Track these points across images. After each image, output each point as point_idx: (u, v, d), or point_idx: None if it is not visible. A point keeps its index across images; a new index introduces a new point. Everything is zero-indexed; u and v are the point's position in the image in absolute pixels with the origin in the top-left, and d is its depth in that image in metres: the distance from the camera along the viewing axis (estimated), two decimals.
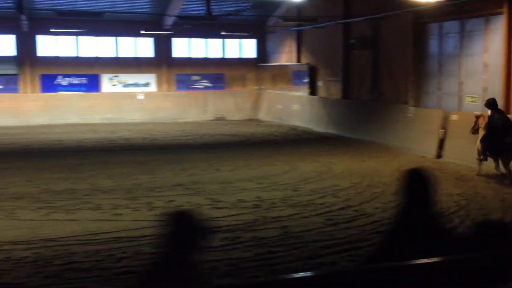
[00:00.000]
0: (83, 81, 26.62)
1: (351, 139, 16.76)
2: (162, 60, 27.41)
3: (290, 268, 5.87)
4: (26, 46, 25.56)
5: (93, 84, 26.80)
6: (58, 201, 8.85)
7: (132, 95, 26.13)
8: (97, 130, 20.87)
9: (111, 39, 26.94)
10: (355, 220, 7.88)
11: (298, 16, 22.63)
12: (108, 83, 26.91)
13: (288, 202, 8.90)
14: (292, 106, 23.06)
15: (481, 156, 10.90)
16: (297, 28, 23.44)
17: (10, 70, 25.51)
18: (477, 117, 11.23)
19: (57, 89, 26.13)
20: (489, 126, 10.58)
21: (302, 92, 23.07)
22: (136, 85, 27.23)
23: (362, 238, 7.00)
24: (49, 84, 26.03)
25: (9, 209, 8.25)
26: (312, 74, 22.88)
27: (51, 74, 26.10)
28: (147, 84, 27.43)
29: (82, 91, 26.35)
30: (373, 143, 15.62)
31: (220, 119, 24.67)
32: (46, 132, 19.98)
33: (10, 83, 25.31)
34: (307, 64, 23.16)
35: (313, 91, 22.73)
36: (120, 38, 26.93)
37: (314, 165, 12.36)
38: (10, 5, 22.55)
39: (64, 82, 26.31)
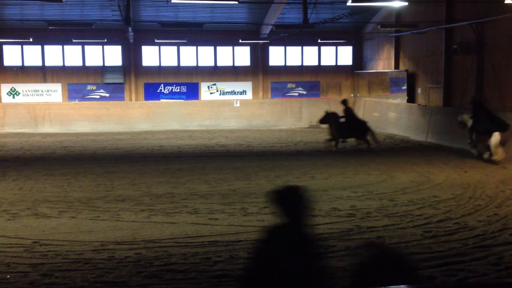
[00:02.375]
0: (183, 89, 27.62)
1: (453, 149, 16.04)
2: (258, 68, 27.81)
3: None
4: (131, 56, 27.00)
5: (192, 92, 27.73)
6: (158, 204, 9.22)
7: (229, 103, 26.74)
8: (196, 136, 21.54)
9: (210, 48, 27.74)
10: (455, 233, 7.51)
11: (397, 21, 22.07)
12: (207, 91, 27.73)
13: (384, 212, 8.67)
14: (389, 114, 22.49)
15: None
16: (396, 34, 22.87)
17: (117, 79, 27.06)
18: None
19: (159, 97, 27.34)
20: None
21: (399, 99, 22.43)
22: (233, 93, 27.82)
23: (463, 252, 6.66)
24: (152, 92, 27.31)
25: (114, 211, 8.71)
26: (411, 81, 22.18)
27: (154, 83, 27.36)
28: (243, 92, 27.94)
29: (182, 99, 27.36)
30: None
31: (315, 126, 24.58)
32: (148, 138, 20.94)
33: (116, 91, 26.82)
34: (406, 70, 22.49)
35: (411, 98, 22.03)
36: (218, 48, 27.68)
37: (412, 175, 11.96)
38: (119, 18, 23.92)
39: (166, 90, 27.46)
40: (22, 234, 7.28)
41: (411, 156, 15.05)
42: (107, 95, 26.66)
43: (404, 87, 22.30)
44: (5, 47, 26.32)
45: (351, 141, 16.84)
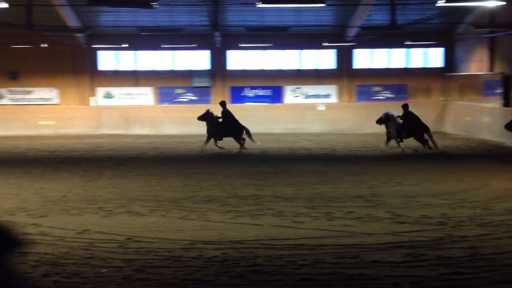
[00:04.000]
0: (268, 92, 27.87)
1: None
2: (343, 71, 27.51)
3: None
4: (218, 60, 27.62)
5: (276, 96, 27.91)
6: (243, 206, 9.35)
7: (313, 106, 26.63)
8: (280, 139, 21.64)
9: (295, 52, 27.79)
10: None
11: (491, 22, 21.03)
12: (291, 95, 27.80)
13: (477, 221, 8.27)
14: (482, 118, 21.46)
15: None
16: (490, 35, 21.80)
17: (205, 82, 27.78)
18: None
19: (244, 100, 27.75)
20: None
21: (494, 103, 21.34)
22: (317, 96, 27.70)
23: None
24: (237, 96, 27.78)
25: (202, 211, 8.94)
26: (507, 84, 21.04)
27: (239, 86, 27.81)
28: (328, 95, 27.74)
29: (266, 102, 27.61)
30: None
31: None
32: (231, 140, 21.28)
33: (204, 94, 27.52)
34: (501, 73, 21.37)
35: (507, 102, 20.89)
36: (303, 51, 27.67)
37: (507, 183, 11.34)
38: (207, 23, 24.58)
39: (251, 93, 27.83)
40: (116, 231, 7.64)
41: (506, 163, 14.28)
42: (195, 98, 27.43)
43: (499, 91, 21.20)
44: (100, 52, 27.78)
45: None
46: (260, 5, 14.39)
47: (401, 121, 16.89)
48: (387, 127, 17.21)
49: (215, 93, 27.69)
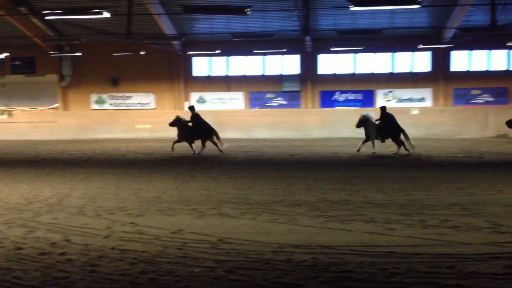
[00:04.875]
0: (359, 96, 27.45)
1: None
2: (439, 74, 26.51)
3: None
4: (308, 65, 27.58)
5: (368, 100, 27.42)
6: (333, 211, 9.24)
7: (406, 110, 25.88)
8: (369, 144, 21.20)
9: (387, 54, 27.17)
10: None
11: None
12: (383, 98, 27.19)
13: None
14: None
15: None
16: None
17: (294, 87, 27.85)
18: None
19: (334, 104, 27.50)
20: None
21: None
22: (410, 100, 26.90)
23: None
24: (327, 100, 27.59)
25: (291, 215, 8.94)
26: None
27: (329, 91, 27.61)
28: (422, 99, 26.87)
29: (357, 107, 27.18)
30: None
31: (503, 136, 22.64)
32: (323, 145, 21.15)
33: (293, 99, 27.60)
34: None
35: None
36: (396, 53, 26.98)
37: None
38: (297, 28, 24.63)
39: (341, 98, 27.53)
40: (208, 232, 7.82)
41: None
42: (285, 102, 27.58)
43: None
44: (194, 59, 28.68)
45: None
46: (353, 8, 14.22)
47: (377, 122, 18.13)
48: (366, 128, 18.26)
49: (305, 98, 27.68)
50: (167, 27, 25.17)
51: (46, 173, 14.23)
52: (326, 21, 25.19)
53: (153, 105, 29.08)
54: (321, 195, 10.74)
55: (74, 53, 27.71)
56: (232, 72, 28.64)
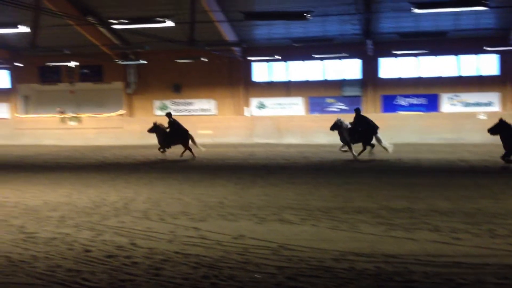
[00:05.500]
0: (422, 101, 26.80)
1: None
2: (508, 78, 25.52)
3: None
4: (369, 69, 27.19)
5: (432, 104, 26.74)
6: (396, 219, 9.05)
7: (473, 115, 25.06)
8: (435, 150, 20.66)
9: (452, 57, 26.42)
10: None
11: None
12: (448, 103, 26.44)
13: None
14: None
15: None
16: None
17: (355, 92, 27.51)
18: None
19: (397, 109, 26.96)
20: None
21: None
22: (477, 104, 26.03)
23: None
24: (389, 105, 27.09)
25: (352, 222, 8.83)
26: None
27: (391, 95, 27.09)
28: (489, 103, 25.94)
29: (420, 111, 26.54)
30: None
31: None
32: (385, 150, 20.75)
33: (354, 104, 27.25)
34: None
35: None
36: (461, 56, 26.19)
37: None
38: (358, 32, 24.35)
39: (404, 102, 26.96)
40: (269, 238, 7.84)
41: None
42: (346, 107, 27.29)
43: None
44: (254, 64, 28.87)
45: None
46: (416, 11, 13.91)
47: (349, 126, 18.43)
48: (340, 133, 18.62)
49: (366, 102, 27.30)
50: (228, 34, 25.50)
51: (112, 177, 14.72)
52: (388, 24, 24.75)
53: (214, 111, 29.51)
54: (383, 202, 10.55)
55: (139, 61, 28.54)
56: (292, 77, 28.63)
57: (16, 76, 31.40)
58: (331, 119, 26.67)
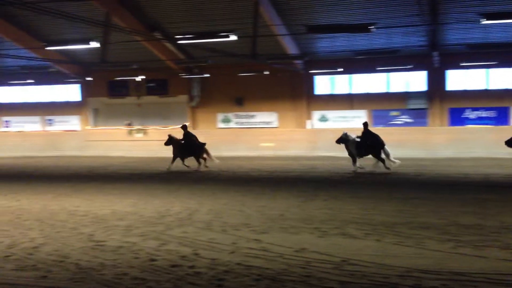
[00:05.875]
0: (492, 114, 25.86)
1: None
2: None
3: None
4: (436, 81, 26.51)
5: (501, 117, 25.76)
6: (465, 235, 8.73)
7: None
8: (505, 165, 19.84)
9: None
10: None
11: None
12: None
13: None
14: None
15: None
16: None
17: (421, 104, 26.87)
18: None
19: (465, 122, 26.11)
20: None
21: None
22: None
23: None
24: (457, 118, 26.28)
25: (418, 238, 8.58)
26: None
27: (459, 108, 26.28)
28: None
29: (490, 124, 25.58)
30: None
31: None
32: (452, 165, 20.15)
33: (419, 116, 26.64)
34: None
35: None
36: None
37: None
38: (424, 43, 23.84)
39: (472, 115, 26.09)
40: (332, 252, 7.75)
41: None
42: (411, 120, 26.71)
43: None
44: (316, 77, 28.80)
45: None
46: (485, 22, 13.48)
47: (358, 139, 18.71)
48: (347, 147, 19.03)
49: (433, 115, 26.60)
50: (290, 47, 25.59)
51: (176, 188, 15.02)
52: (455, 35, 24.07)
53: (276, 124, 29.60)
54: (450, 218, 10.20)
55: (202, 75, 29.11)
56: (355, 90, 28.33)
57: (87, 90, 32.75)
58: (395, 132, 26.21)
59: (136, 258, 7.58)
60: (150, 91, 31.71)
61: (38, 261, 7.46)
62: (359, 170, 18.55)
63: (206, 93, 30.65)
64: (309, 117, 28.97)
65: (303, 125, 28.98)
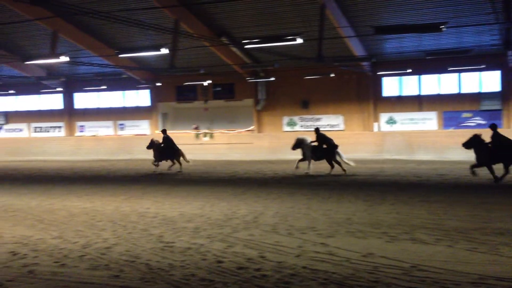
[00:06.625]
0: None
1: None
2: None
3: None
4: (510, 81, 25.38)
5: None
6: None
7: None
8: None
9: None
10: None
11: None
12: None
13: None
14: None
15: None
16: None
17: (494, 105, 25.79)
18: None
19: None
20: None
21: None
22: None
23: None
24: None
25: (493, 245, 8.23)
26: None
27: None
28: None
29: None
30: None
31: None
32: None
33: (493, 118, 25.58)
34: None
35: None
36: None
37: None
38: (498, 42, 22.88)
39: None
40: (401, 257, 7.56)
41: None
42: (484, 122, 25.68)
43: None
44: (384, 79, 28.26)
45: None
46: None
47: (312, 143, 19.71)
48: (302, 150, 19.99)
49: (508, 116, 25.48)
50: (356, 49, 25.26)
51: (242, 191, 15.16)
52: None
53: (341, 127, 29.29)
54: None
55: (268, 78, 29.26)
56: (424, 91, 27.57)
57: (156, 95, 33.71)
58: (467, 134, 25.27)
59: (204, 259, 7.71)
60: (217, 95, 32.21)
61: (110, 260, 7.74)
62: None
63: (271, 96, 30.78)
64: (376, 119, 28.46)
65: (370, 128, 28.51)
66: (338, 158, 19.35)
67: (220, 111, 32.63)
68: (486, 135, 16.64)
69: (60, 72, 32.03)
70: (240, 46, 24.61)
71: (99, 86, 33.35)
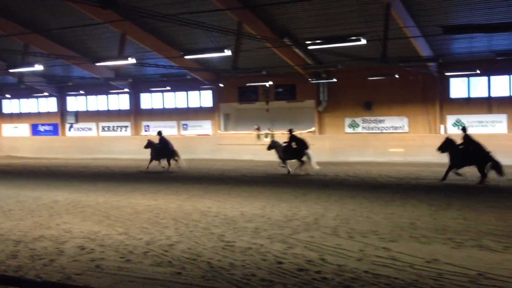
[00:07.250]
0: None
1: None
2: None
3: None
4: None
5: None
6: None
7: None
8: None
9: None
10: None
11: None
12: None
13: None
14: None
15: None
16: None
17: None
18: None
19: None
20: None
21: None
22: None
23: None
24: None
25: None
26: None
27: None
28: None
29: None
30: None
31: None
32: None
33: None
34: None
35: None
36: None
37: None
38: None
39: None
40: (467, 264, 7.31)
41: None
42: None
43: None
44: (452, 80, 27.39)
45: None
46: None
47: (284, 144, 21.25)
48: (276, 151, 21.60)
49: None
50: (422, 49, 24.59)
51: (302, 193, 15.11)
52: None
53: (406, 129, 28.61)
54: None
55: (330, 79, 29.00)
56: (494, 93, 26.50)
57: (218, 96, 34.14)
58: None
59: (264, 260, 7.74)
60: (278, 96, 32.24)
61: (173, 258, 7.91)
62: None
63: (333, 97, 30.49)
64: (442, 121, 27.62)
65: (436, 130, 27.70)
66: (305, 158, 20.76)
67: (281, 112, 32.65)
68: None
69: (128, 73, 33.05)
70: (302, 47, 24.53)
71: (164, 87, 34.17)
